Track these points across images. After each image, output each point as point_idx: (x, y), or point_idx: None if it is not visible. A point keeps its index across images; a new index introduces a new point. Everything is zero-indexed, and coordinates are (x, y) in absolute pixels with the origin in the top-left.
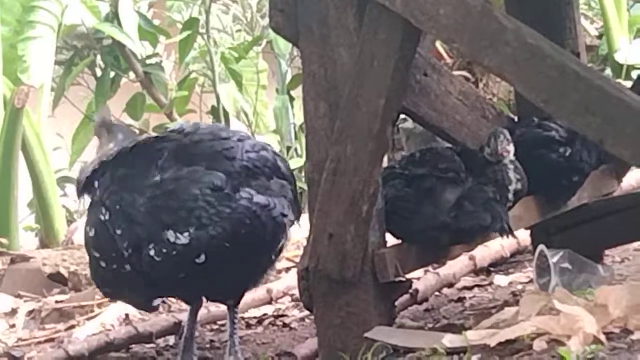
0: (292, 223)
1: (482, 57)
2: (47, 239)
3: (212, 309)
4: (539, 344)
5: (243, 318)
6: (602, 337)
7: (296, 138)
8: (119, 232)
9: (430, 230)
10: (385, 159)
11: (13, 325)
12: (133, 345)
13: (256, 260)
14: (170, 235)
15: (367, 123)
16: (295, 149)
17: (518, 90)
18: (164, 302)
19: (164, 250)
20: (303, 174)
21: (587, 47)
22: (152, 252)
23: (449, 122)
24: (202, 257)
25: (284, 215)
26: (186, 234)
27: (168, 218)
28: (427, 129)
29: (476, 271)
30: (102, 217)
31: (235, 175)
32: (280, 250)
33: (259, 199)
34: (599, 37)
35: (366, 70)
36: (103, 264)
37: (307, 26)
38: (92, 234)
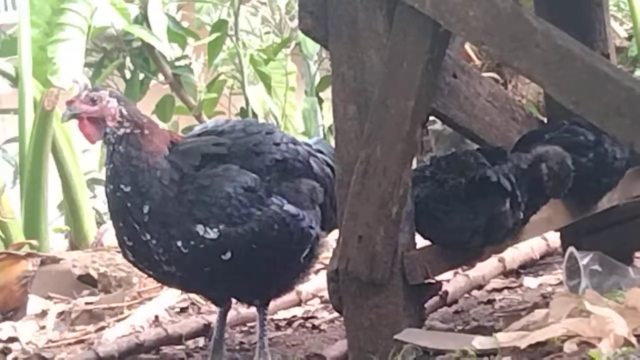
0: (319, 235)
1: (512, 59)
2: (76, 241)
3: (241, 310)
4: (569, 346)
5: (272, 320)
6: (633, 340)
7: (325, 140)
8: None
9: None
10: (415, 160)
11: (43, 327)
12: (163, 347)
13: (282, 265)
14: (200, 229)
15: (397, 125)
16: None
17: (548, 92)
18: (193, 304)
19: (192, 243)
20: None
21: (616, 49)
22: (179, 243)
23: (478, 124)
24: (229, 254)
25: (311, 228)
26: (215, 229)
27: (200, 213)
28: (456, 130)
29: (506, 273)
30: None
31: (266, 172)
32: (310, 258)
33: (289, 208)
34: (629, 38)
35: (395, 72)
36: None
37: (337, 28)
38: None
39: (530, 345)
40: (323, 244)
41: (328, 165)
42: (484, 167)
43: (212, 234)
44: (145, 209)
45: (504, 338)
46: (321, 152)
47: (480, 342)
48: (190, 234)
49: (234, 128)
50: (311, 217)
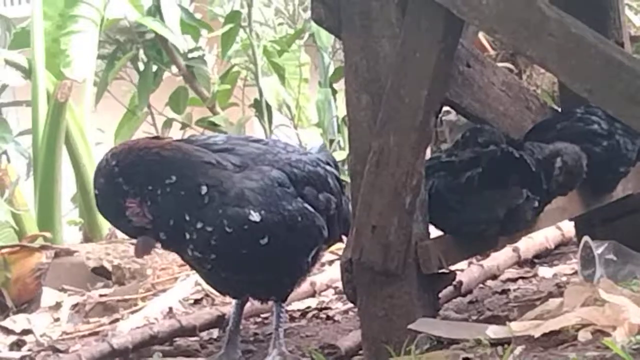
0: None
1: (525, 48)
2: (90, 233)
3: (256, 302)
4: (583, 335)
5: (287, 311)
6: None
7: (339, 131)
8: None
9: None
10: (428, 151)
11: (57, 319)
12: (177, 339)
13: (297, 260)
14: (246, 211)
15: (410, 114)
16: (338, 142)
17: (562, 80)
18: (207, 295)
19: (237, 223)
20: (346, 166)
21: (631, 38)
22: (225, 222)
23: (492, 113)
24: (266, 240)
25: (323, 228)
26: (257, 213)
27: (251, 197)
28: (470, 120)
29: (520, 263)
30: None
31: (295, 180)
32: (314, 261)
33: (309, 206)
34: None
35: (409, 62)
36: None
37: (349, 18)
38: None
39: (544, 334)
40: (323, 253)
41: (337, 179)
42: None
43: (256, 216)
44: (204, 190)
45: (517, 327)
46: (329, 164)
47: (494, 332)
48: (237, 215)
49: (276, 144)
50: (323, 221)
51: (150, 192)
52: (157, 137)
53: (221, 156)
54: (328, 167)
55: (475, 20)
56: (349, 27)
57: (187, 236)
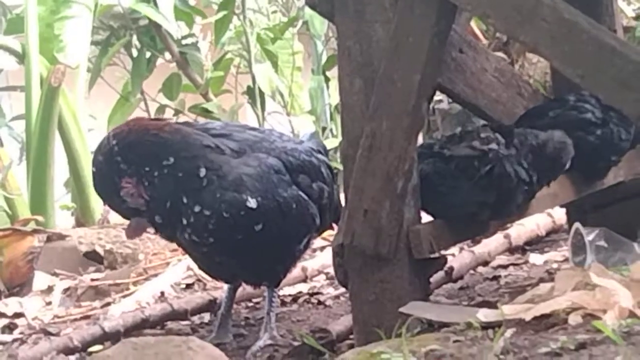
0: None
1: (518, 33)
2: (83, 218)
3: (248, 287)
4: (574, 319)
5: (278, 296)
6: (638, 312)
7: (331, 118)
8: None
9: (469, 205)
10: (420, 138)
11: (49, 303)
12: (168, 322)
13: (290, 246)
14: (244, 197)
15: (403, 99)
16: (331, 129)
17: (554, 66)
18: (199, 280)
19: (234, 208)
20: (338, 153)
21: (623, 29)
22: (222, 206)
23: (484, 100)
24: (260, 226)
25: (316, 216)
26: (254, 200)
27: (249, 183)
28: (462, 106)
29: (511, 250)
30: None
31: (290, 168)
32: (305, 248)
33: (303, 195)
34: (636, 18)
35: (402, 46)
36: None
37: (343, 2)
38: None
39: (535, 318)
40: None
41: (329, 168)
42: (498, 158)
43: (253, 203)
44: (202, 172)
45: (509, 310)
46: (320, 152)
47: (485, 315)
48: (234, 200)
49: (272, 133)
50: (316, 209)
51: (147, 173)
52: (158, 119)
53: (219, 141)
54: (320, 156)
55: (469, 5)
56: (343, 12)
57: (184, 219)
